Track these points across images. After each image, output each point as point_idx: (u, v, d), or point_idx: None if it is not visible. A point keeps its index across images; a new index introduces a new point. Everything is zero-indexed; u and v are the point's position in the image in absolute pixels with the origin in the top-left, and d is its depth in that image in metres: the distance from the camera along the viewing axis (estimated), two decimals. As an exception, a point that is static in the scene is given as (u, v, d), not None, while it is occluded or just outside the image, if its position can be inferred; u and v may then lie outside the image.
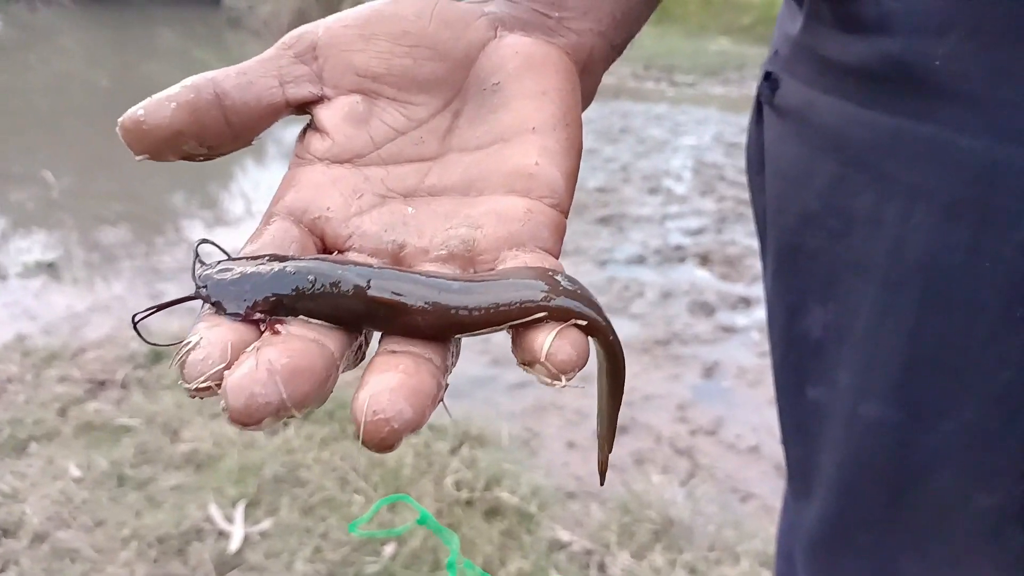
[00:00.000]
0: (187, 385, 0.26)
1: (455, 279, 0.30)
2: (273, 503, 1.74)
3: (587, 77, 0.43)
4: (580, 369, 0.28)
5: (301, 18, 10.69)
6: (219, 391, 0.26)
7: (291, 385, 0.25)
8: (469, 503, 1.81)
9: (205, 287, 0.29)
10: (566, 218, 0.36)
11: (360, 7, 0.38)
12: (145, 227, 3.87)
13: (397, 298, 0.29)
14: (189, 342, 0.27)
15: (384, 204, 0.35)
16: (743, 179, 5.35)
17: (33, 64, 8.28)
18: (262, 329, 0.28)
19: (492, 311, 0.29)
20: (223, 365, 0.26)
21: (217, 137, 0.34)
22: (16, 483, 1.75)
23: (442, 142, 0.37)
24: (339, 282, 0.29)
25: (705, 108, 6.73)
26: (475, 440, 2.05)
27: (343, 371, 0.29)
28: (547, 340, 0.27)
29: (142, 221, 3.95)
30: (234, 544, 1.62)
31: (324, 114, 0.36)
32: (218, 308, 0.28)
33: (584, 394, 2.51)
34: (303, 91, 0.36)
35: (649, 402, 2.51)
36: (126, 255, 3.50)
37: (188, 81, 0.34)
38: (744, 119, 6.90)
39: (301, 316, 0.29)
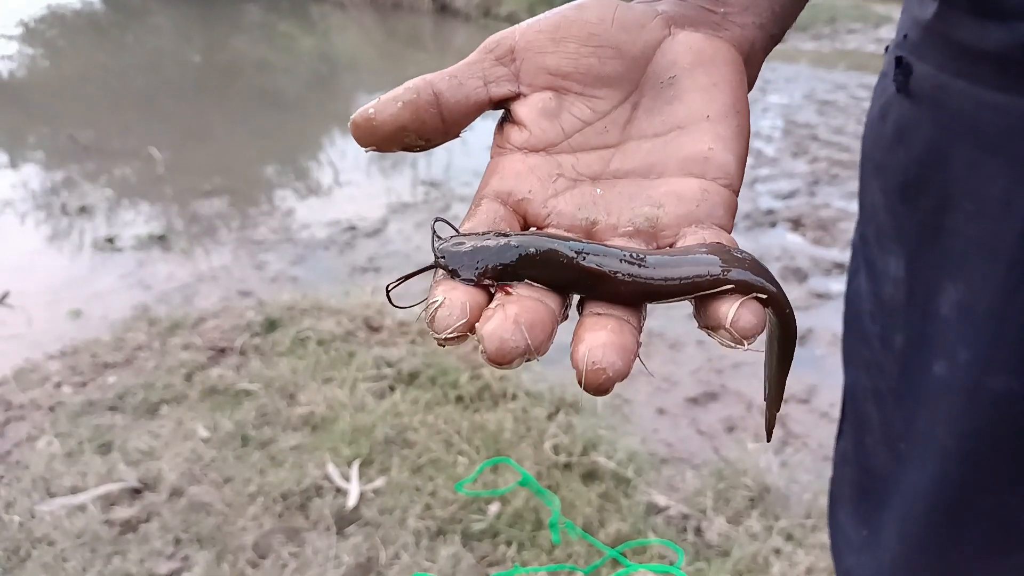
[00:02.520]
0: (437, 335, 0.32)
1: (651, 253, 0.35)
2: (384, 463, 1.85)
3: (749, 67, 0.47)
4: (759, 335, 0.32)
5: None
6: (465, 340, 0.32)
7: (532, 333, 0.31)
8: (567, 466, 1.87)
9: (443, 258, 0.35)
10: (737, 197, 0.41)
11: (549, 13, 0.42)
12: (241, 199, 4.04)
13: (604, 269, 0.34)
14: (436, 301, 0.32)
15: (575, 187, 0.40)
16: (837, 139, 5.17)
17: (129, 43, 8.63)
18: (492, 292, 0.33)
19: (683, 282, 0.33)
20: (465, 320, 0.32)
21: (433, 131, 0.40)
22: (152, 442, 1.90)
23: (623, 131, 0.42)
24: (556, 253, 0.34)
25: (795, 64, 6.49)
26: (570, 407, 2.10)
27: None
28: (731, 310, 0.32)
29: (238, 193, 4.12)
30: (351, 501, 1.73)
31: (521, 109, 0.41)
32: (453, 275, 0.34)
33: (672, 361, 2.53)
34: (503, 90, 0.41)
35: (739, 369, 2.51)
36: (226, 226, 3.67)
37: (409, 83, 0.39)
38: (836, 75, 6.64)
39: (525, 280, 0.34)
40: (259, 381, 2.12)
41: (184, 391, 2.09)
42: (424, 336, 2.36)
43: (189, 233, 3.59)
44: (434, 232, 0.37)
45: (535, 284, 0.34)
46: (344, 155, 4.90)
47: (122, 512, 1.69)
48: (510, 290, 0.33)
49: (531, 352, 0.31)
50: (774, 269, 3.14)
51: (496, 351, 0.30)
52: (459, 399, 2.09)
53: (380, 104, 0.38)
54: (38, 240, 3.51)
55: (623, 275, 0.34)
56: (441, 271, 0.35)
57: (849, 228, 3.51)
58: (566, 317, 0.35)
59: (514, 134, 0.41)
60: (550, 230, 0.38)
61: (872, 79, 6.69)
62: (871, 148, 0.73)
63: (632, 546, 1.64)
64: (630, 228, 0.38)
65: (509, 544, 1.63)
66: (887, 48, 0.71)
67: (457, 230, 0.38)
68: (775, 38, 0.49)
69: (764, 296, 0.33)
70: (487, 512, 1.72)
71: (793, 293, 2.97)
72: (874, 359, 0.72)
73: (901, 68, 0.65)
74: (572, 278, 0.34)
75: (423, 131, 0.39)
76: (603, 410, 2.15)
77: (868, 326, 0.72)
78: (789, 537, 1.72)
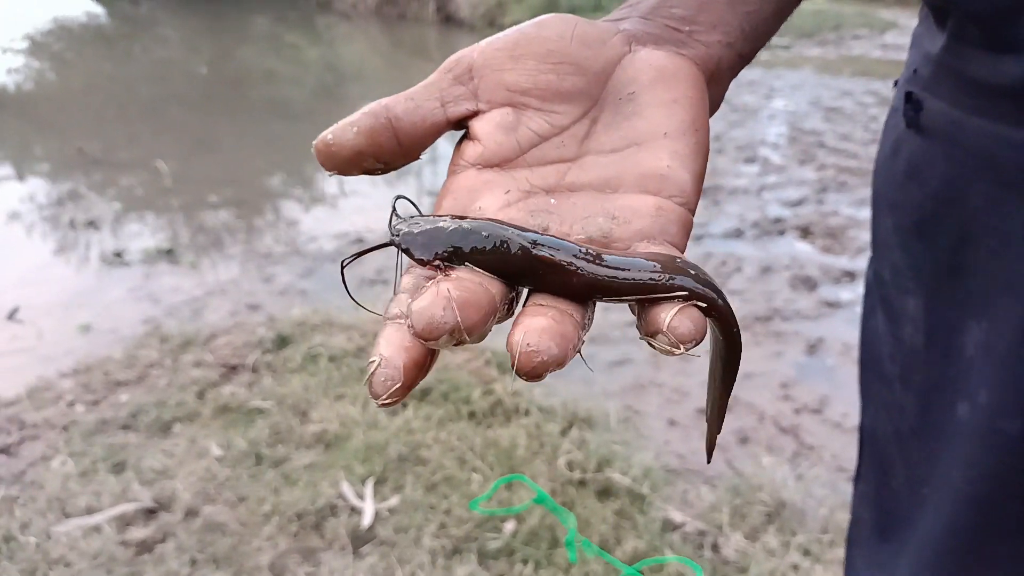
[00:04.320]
0: (375, 400, 0.31)
1: (603, 251, 0.35)
2: (398, 480, 1.84)
3: (714, 85, 0.46)
4: (697, 343, 0.32)
5: (388, 0, 10.80)
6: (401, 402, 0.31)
7: (463, 312, 0.30)
8: (582, 483, 1.87)
9: (397, 236, 0.35)
10: (693, 216, 0.40)
11: (508, 31, 0.42)
12: (249, 211, 4.05)
13: (557, 258, 0.33)
14: (374, 360, 0.31)
15: (529, 197, 0.39)
16: (844, 146, 5.18)
17: (136, 54, 8.67)
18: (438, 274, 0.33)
19: (633, 283, 0.33)
20: (400, 384, 0.31)
21: (391, 154, 0.39)
22: (166, 461, 1.90)
23: (580, 145, 0.42)
24: (508, 240, 0.34)
25: (800, 71, 6.49)
26: (583, 422, 2.10)
27: (498, 320, 0.33)
28: (669, 314, 0.32)
29: (245, 205, 4.13)
30: (366, 520, 1.72)
31: (478, 125, 0.41)
32: (407, 254, 0.34)
33: (682, 372, 2.52)
34: (461, 108, 0.41)
35: (751, 380, 2.50)
36: (234, 239, 3.68)
37: (366, 108, 0.39)
38: (842, 81, 6.64)
39: (468, 264, 0.34)
40: (271, 398, 2.12)
41: (197, 409, 2.09)
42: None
43: (196, 246, 3.59)
44: (393, 210, 0.37)
45: (484, 271, 0.34)
46: (350, 165, 4.90)
47: (138, 533, 1.68)
48: (451, 273, 0.33)
49: (459, 330, 0.30)
50: (783, 278, 3.13)
51: (424, 327, 0.29)
52: (472, 415, 2.08)
53: (337, 130, 0.38)
54: (46, 254, 3.52)
55: (574, 267, 0.33)
56: (406, 279, 0.35)
57: (859, 236, 3.50)
58: (508, 312, 0.34)
59: (469, 149, 0.41)
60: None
61: (878, 85, 6.69)
62: (883, 185, 0.71)
63: (649, 563, 1.64)
64: (583, 237, 0.37)
65: (525, 563, 1.63)
66: (895, 83, 0.70)
67: (419, 209, 0.38)
68: (744, 57, 0.48)
69: (704, 305, 0.33)
70: (503, 530, 1.71)
71: (803, 302, 2.96)
72: (895, 401, 0.70)
73: (911, 104, 0.63)
74: (522, 267, 0.34)
75: (380, 155, 0.39)
76: (616, 424, 2.14)
77: (887, 367, 0.71)
78: (807, 553, 1.71)
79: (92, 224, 3.79)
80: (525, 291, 0.35)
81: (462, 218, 0.35)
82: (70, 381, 2.28)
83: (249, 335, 2.43)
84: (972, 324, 0.60)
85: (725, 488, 1.90)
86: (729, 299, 0.36)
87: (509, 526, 1.73)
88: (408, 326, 0.30)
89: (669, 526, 1.78)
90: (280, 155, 5.10)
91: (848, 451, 2.15)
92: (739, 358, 0.39)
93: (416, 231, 0.35)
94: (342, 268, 0.37)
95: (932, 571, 0.66)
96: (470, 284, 0.32)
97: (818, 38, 7.65)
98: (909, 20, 10.07)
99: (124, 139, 5.34)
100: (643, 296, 0.33)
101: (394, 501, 1.78)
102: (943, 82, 0.60)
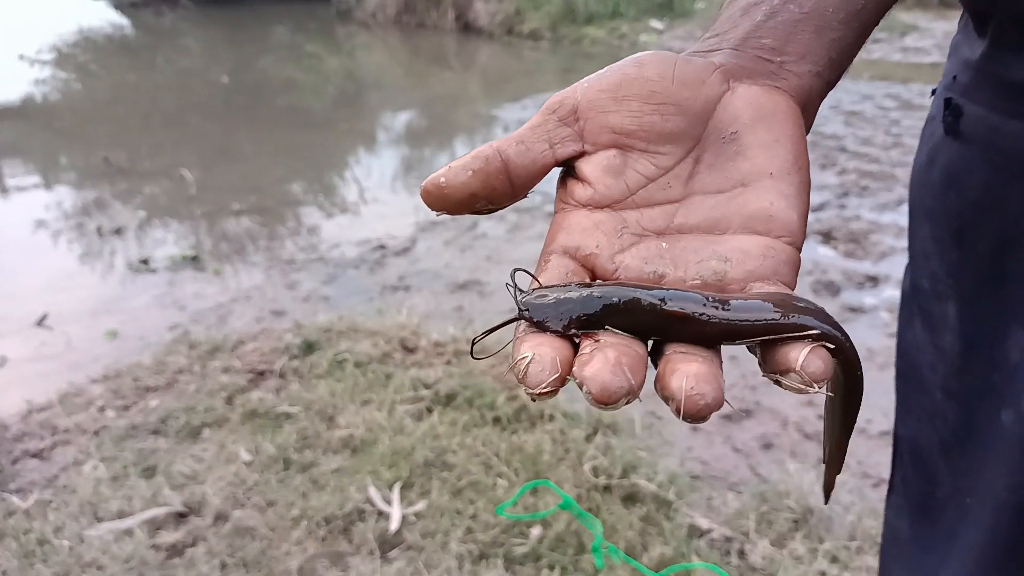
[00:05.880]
0: (531, 391, 0.33)
1: (728, 297, 0.36)
2: (424, 486, 1.85)
3: (806, 115, 0.47)
4: (827, 382, 0.33)
5: (407, 8, 10.88)
6: (556, 393, 0.33)
7: (634, 374, 0.32)
8: (607, 489, 1.87)
9: (527, 310, 0.36)
10: (800, 253, 0.41)
11: (609, 71, 0.43)
12: (272, 218, 4.09)
13: (688, 311, 0.35)
14: (526, 357, 0.34)
15: (641, 241, 0.41)
16: (865, 150, 5.13)
17: (159, 64, 8.79)
18: (575, 342, 0.35)
19: (764, 324, 0.34)
20: (557, 374, 0.33)
21: (503, 196, 0.41)
22: (195, 466, 1.92)
23: (685, 186, 0.43)
24: (639, 301, 0.35)
25: (817, 75, 6.46)
26: (608, 428, 2.10)
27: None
28: (802, 353, 0.33)
29: (268, 212, 4.17)
30: (393, 524, 1.74)
31: (586, 167, 0.42)
32: (539, 326, 0.35)
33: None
34: (568, 150, 0.42)
35: (773, 387, 2.48)
36: (257, 246, 3.72)
37: (478, 152, 0.40)
38: (862, 86, 6.59)
39: (608, 328, 0.35)
40: (299, 404, 2.14)
41: (225, 414, 2.11)
42: (460, 357, 2.37)
43: (220, 253, 3.64)
44: (514, 284, 0.38)
45: (618, 332, 0.35)
46: (370, 173, 4.95)
47: (168, 537, 1.71)
48: (598, 338, 0.34)
49: (634, 392, 0.32)
50: (805, 283, 3.12)
51: (600, 392, 0.31)
52: (496, 420, 2.09)
53: (450, 172, 0.39)
54: (73, 261, 3.58)
55: (707, 317, 0.35)
56: (525, 323, 0.36)
57: (881, 240, 3.48)
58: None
59: (579, 191, 0.42)
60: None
61: (899, 89, 6.64)
62: (920, 195, 0.71)
63: (676, 570, 1.63)
64: (698, 281, 0.38)
65: (552, 568, 1.63)
66: (933, 91, 0.70)
67: (536, 279, 0.39)
68: (831, 84, 0.49)
69: (833, 346, 0.34)
70: (529, 536, 1.72)
71: (826, 307, 2.93)
72: (937, 410, 0.70)
73: (951, 110, 0.64)
74: (656, 323, 0.35)
75: (493, 197, 0.40)
76: (641, 431, 2.14)
77: (928, 376, 0.71)
78: (834, 560, 1.70)
79: (118, 232, 3.85)
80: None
81: (586, 285, 0.36)
82: (100, 387, 2.32)
83: (276, 341, 2.46)
84: (1016, 330, 0.60)
85: (751, 494, 1.90)
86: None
87: (535, 531, 1.73)
88: (584, 393, 0.32)
89: (695, 532, 1.77)
90: (301, 163, 5.14)
91: (873, 457, 2.14)
92: (860, 400, 0.40)
93: (545, 303, 0.36)
94: (472, 344, 0.39)
95: None
96: (622, 347, 0.33)
97: (838, 42, 7.65)
98: (929, 23, 9.99)
99: (148, 148, 5.41)
100: (775, 336, 0.34)
101: (421, 506, 1.79)
102: (983, 88, 0.60)
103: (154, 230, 3.93)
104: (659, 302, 0.35)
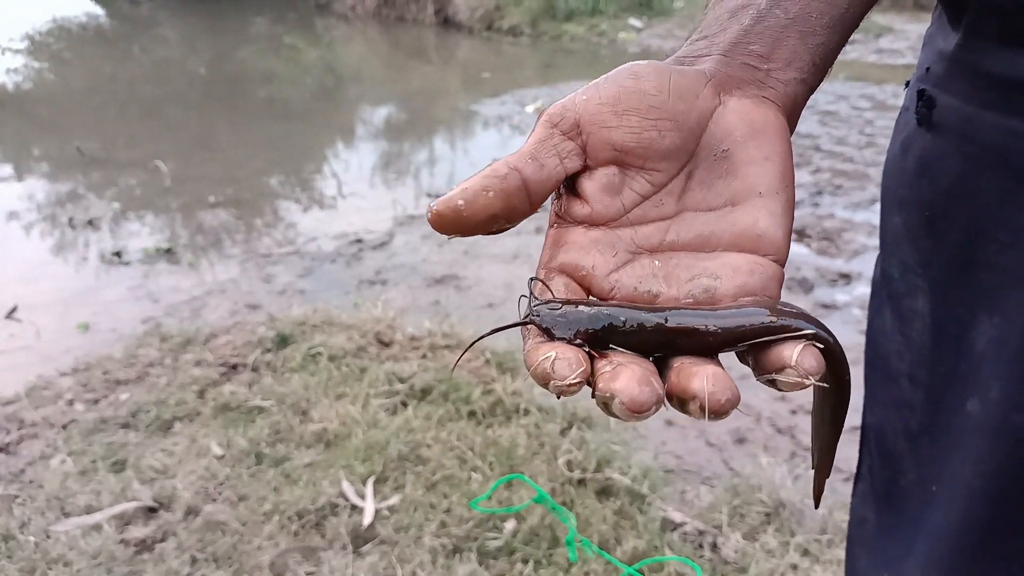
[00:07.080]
0: (560, 383, 0.35)
1: (721, 307, 0.39)
2: (398, 480, 1.85)
3: (791, 121, 0.48)
4: (820, 375, 0.36)
5: (387, 2, 10.81)
6: (580, 389, 0.35)
7: (657, 384, 0.35)
8: (581, 483, 1.87)
9: (539, 316, 0.38)
10: (784, 268, 0.43)
11: (607, 83, 0.43)
12: (248, 211, 4.05)
13: (692, 326, 0.38)
14: (550, 355, 0.35)
15: (635, 260, 0.42)
16: (839, 149, 5.19)
17: (135, 54, 8.66)
18: (587, 351, 0.37)
19: (760, 327, 0.37)
20: (583, 368, 0.35)
21: (520, 215, 0.41)
22: (166, 460, 1.90)
23: (678, 202, 0.44)
24: (643, 320, 0.38)
25: (794, 74, 6.51)
26: (583, 422, 2.10)
27: None
28: (796, 350, 0.36)
29: (245, 205, 4.13)
30: (367, 519, 1.73)
31: (586, 185, 0.43)
32: (547, 334, 0.37)
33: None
34: (575, 164, 0.43)
35: (747, 381, 2.47)
36: (233, 240, 3.68)
37: (492, 171, 0.40)
38: (837, 86, 6.66)
39: (611, 346, 0.37)
40: (272, 397, 2.12)
41: (197, 408, 2.09)
42: (435, 351, 2.36)
43: (196, 246, 3.59)
44: (531, 292, 0.40)
45: (622, 349, 0.37)
46: (349, 166, 4.92)
47: (137, 532, 1.68)
48: (608, 356, 0.36)
49: (660, 402, 0.34)
50: (782, 281, 3.15)
51: (632, 402, 0.33)
52: (472, 414, 2.09)
53: (467, 194, 0.39)
54: (45, 253, 3.52)
55: (709, 327, 0.37)
56: (534, 332, 0.38)
57: (854, 238, 3.52)
58: None
59: (576, 208, 0.43)
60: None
61: (873, 90, 6.71)
62: (893, 183, 0.72)
63: (649, 563, 1.64)
64: (690, 300, 0.40)
65: (526, 562, 1.63)
66: (907, 83, 0.71)
67: (552, 292, 0.40)
68: (813, 89, 0.50)
69: (822, 346, 0.37)
70: (503, 529, 1.72)
71: (799, 304, 2.95)
72: (903, 399, 0.71)
73: (924, 101, 0.64)
74: (660, 340, 0.38)
75: (512, 216, 0.40)
76: (615, 425, 2.14)
77: (895, 365, 0.71)
78: (806, 553, 1.72)
79: (91, 223, 3.79)
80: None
81: (595, 304, 0.39)
82: (69, 380, 2.28)
83: (249, 334, 2.44)
84: (983, 319, 0.61)
85: (723, 488, 1.91)
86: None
87: (509, 525, 1.73)
88: (618, 403, 0.34)
89: (669, 526, 1.78)
90: (279, 155, 5.10)
91: (844, 451, 2.14)
92: (848, 402, 0.43)
93: (555, 313, 0.38)
94: (474, 342, 0.41)
95: (944, 569, 0.66)
96: (639, 362, 0.36)
97: (815, 42, 7.73)
98: (904, 25, 10.11)
99: (123, 139, 5.33)
100: (771, 337, 0.37)
101: (394, 500, 1.79)
102: (957, 78, 0.60)
103: (128, 222, 3.87)
104: (662, 320, 0.38)
